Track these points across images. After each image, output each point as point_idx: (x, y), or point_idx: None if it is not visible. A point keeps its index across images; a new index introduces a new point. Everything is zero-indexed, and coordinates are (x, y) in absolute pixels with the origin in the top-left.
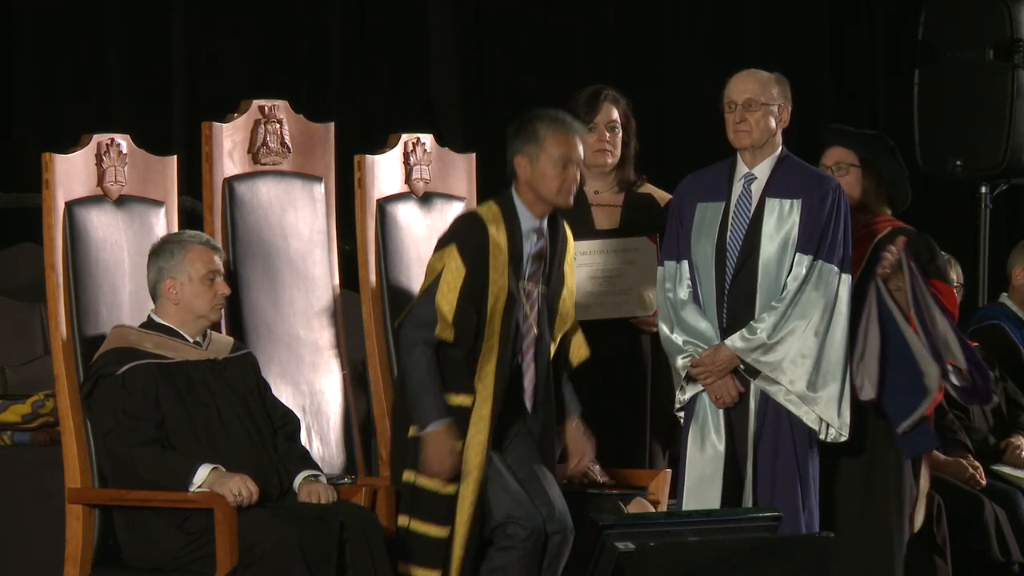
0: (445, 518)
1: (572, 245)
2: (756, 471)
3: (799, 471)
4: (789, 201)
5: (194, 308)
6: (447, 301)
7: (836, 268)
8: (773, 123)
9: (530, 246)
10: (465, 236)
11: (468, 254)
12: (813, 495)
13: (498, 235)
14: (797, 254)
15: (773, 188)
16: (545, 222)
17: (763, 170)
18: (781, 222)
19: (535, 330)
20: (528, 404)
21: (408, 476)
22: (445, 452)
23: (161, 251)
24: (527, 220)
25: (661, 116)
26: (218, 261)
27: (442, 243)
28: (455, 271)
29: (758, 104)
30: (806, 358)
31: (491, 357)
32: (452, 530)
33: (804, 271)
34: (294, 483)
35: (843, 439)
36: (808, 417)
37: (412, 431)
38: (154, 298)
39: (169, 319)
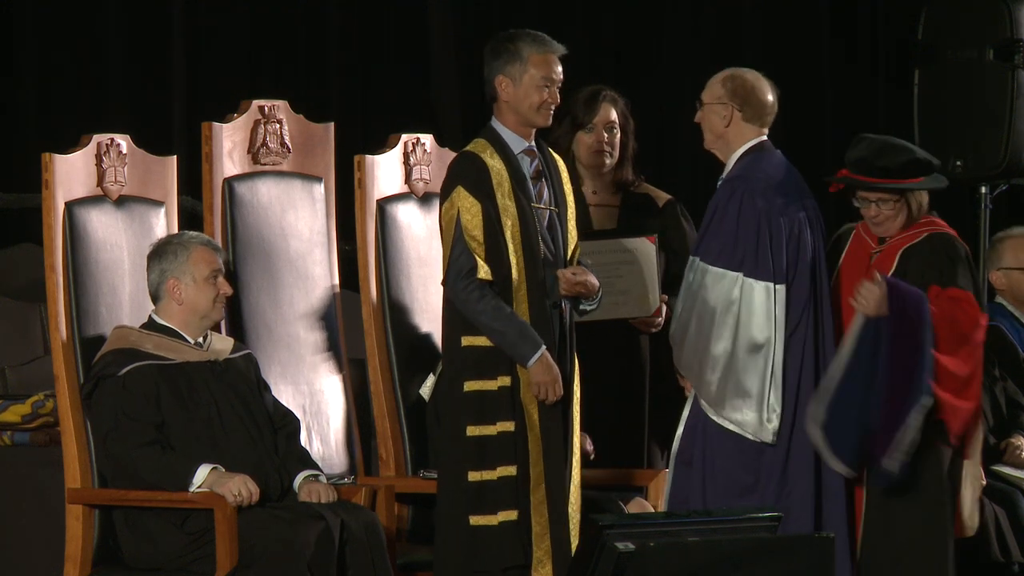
0: (515, 501)
1: (563, 165)
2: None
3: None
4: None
5: (198, 308)
6: (475, 240)
7: (699, 260)
8: (719, 122)
9: (527, 167)
10: (465, 173)
11: (474, 188)
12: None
13: (493, 162)
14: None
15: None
16: (534, 142)
17: (726, 172)
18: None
19: (561, 252)
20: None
21: (475, 476)
22: (548, 380)
23: (164, 252)
24: (516, 143)
25: (660, 116)
26: (219, 261)
27: (447, 190)
28: (470, 209)
29: (703, 104)
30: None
31: (522, 286)
32: (525, 509)
33: (688, 271)
34: (294, 483)
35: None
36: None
37: (471, 430)
38: (155, 299)
39: (172, 320)
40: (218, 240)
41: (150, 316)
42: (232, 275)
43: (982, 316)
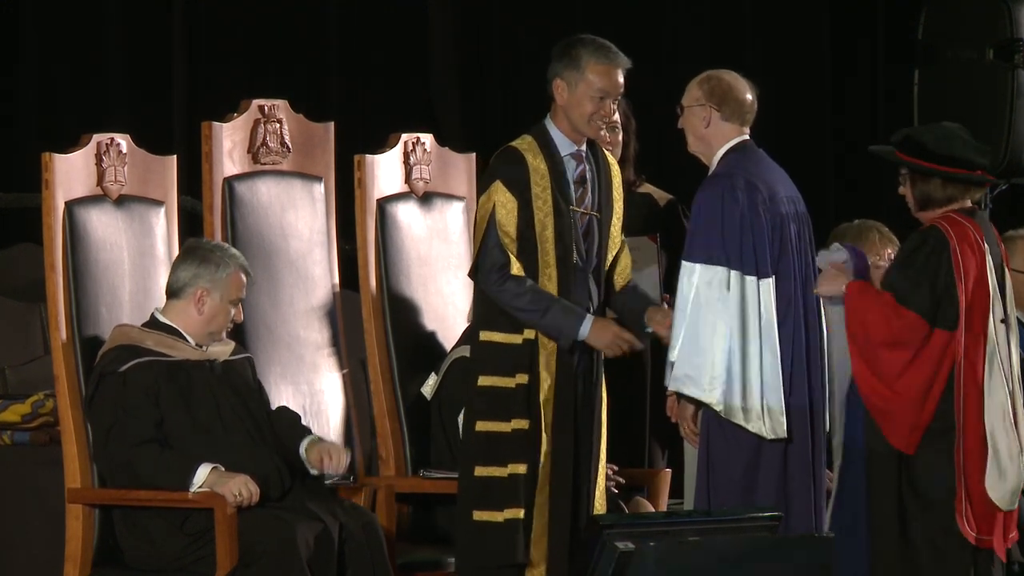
0: (519, 498)
1: (617, 169)
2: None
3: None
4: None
5: (211, 324)
6: (508, 236)
7: (687, 262)
8: (699, 124)
9: (571, 170)
10: (505, 169)
11: (513, 185)
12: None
13: (536, 161)
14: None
15: None
16: (585, 147)
17: (710, 173)
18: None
19: (595, 259)
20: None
21: (481, 471)
22: (611, 335)
23: (207, 260)
24: (564, 146)
25: (661, 116)
26: (246, 289)
27: (486, 183)
28: (506, 204)
29: (683, 108)
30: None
31: (552, 287)
32: (529, 508)
33: (680, 278)
34: (301, 449)
35: (767, 435)
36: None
37: (480, 426)
38: (173, 295)
39: (179, 321)
40: (218, 239)
41: (153, 314)
42: None
43: (899, 317)
